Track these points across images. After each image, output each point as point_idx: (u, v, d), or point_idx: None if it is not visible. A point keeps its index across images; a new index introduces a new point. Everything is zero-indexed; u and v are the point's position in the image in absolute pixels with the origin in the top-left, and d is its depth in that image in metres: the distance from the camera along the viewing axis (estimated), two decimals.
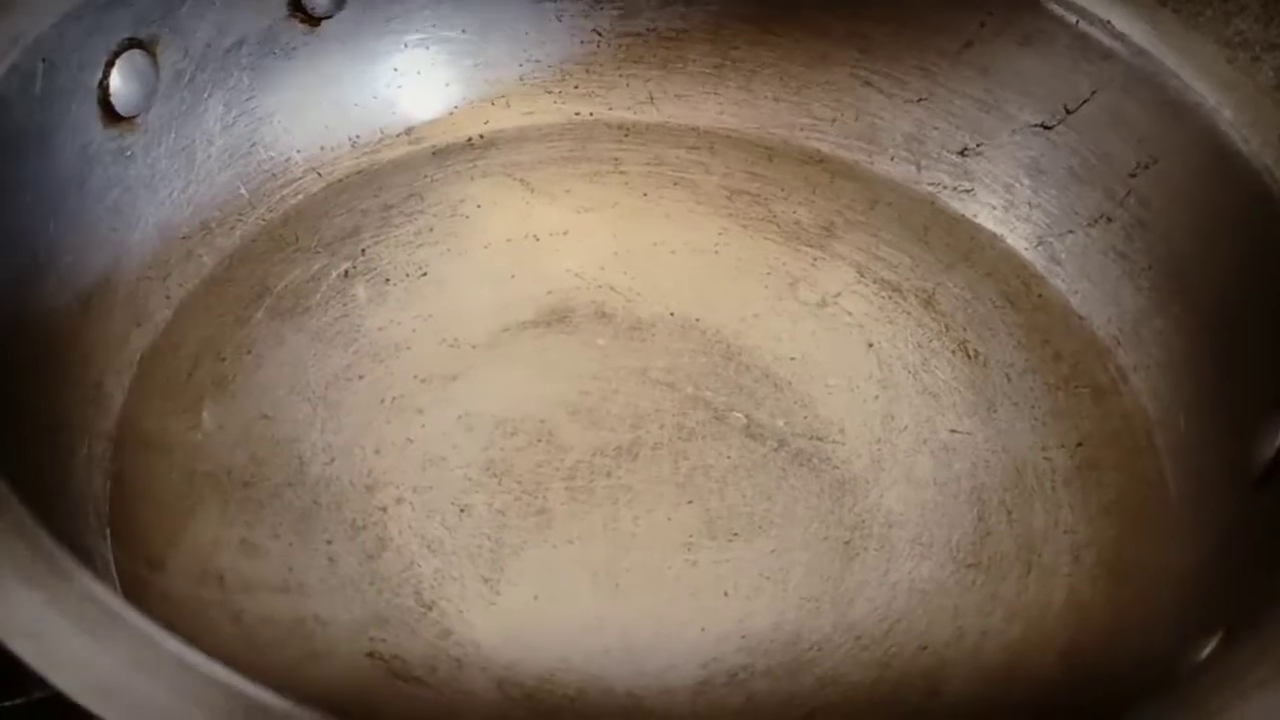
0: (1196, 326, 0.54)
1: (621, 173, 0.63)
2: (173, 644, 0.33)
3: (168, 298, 0.55)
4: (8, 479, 0.36)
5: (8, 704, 0.42)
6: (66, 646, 0.32)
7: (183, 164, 0.57)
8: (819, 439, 0.53)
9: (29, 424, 0.46)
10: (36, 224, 0.49)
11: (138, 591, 0.40)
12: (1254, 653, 0.37)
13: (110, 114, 0.52)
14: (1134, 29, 0.56)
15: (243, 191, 0.59)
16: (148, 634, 0.33)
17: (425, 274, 0.58)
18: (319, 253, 0.59)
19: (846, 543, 0.50)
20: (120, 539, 0.47)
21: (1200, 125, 0.54)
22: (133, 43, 0.53)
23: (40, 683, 0.32)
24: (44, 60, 0.48)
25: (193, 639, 0.34)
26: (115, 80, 0.52)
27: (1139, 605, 0.48)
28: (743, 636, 0.47)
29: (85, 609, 0.33)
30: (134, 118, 0.54)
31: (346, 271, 0.58)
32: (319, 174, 0.62)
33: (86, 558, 0.37)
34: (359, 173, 0.62)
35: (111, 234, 0.53)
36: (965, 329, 0.57)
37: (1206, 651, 0.39)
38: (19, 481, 0.37)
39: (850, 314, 0.58)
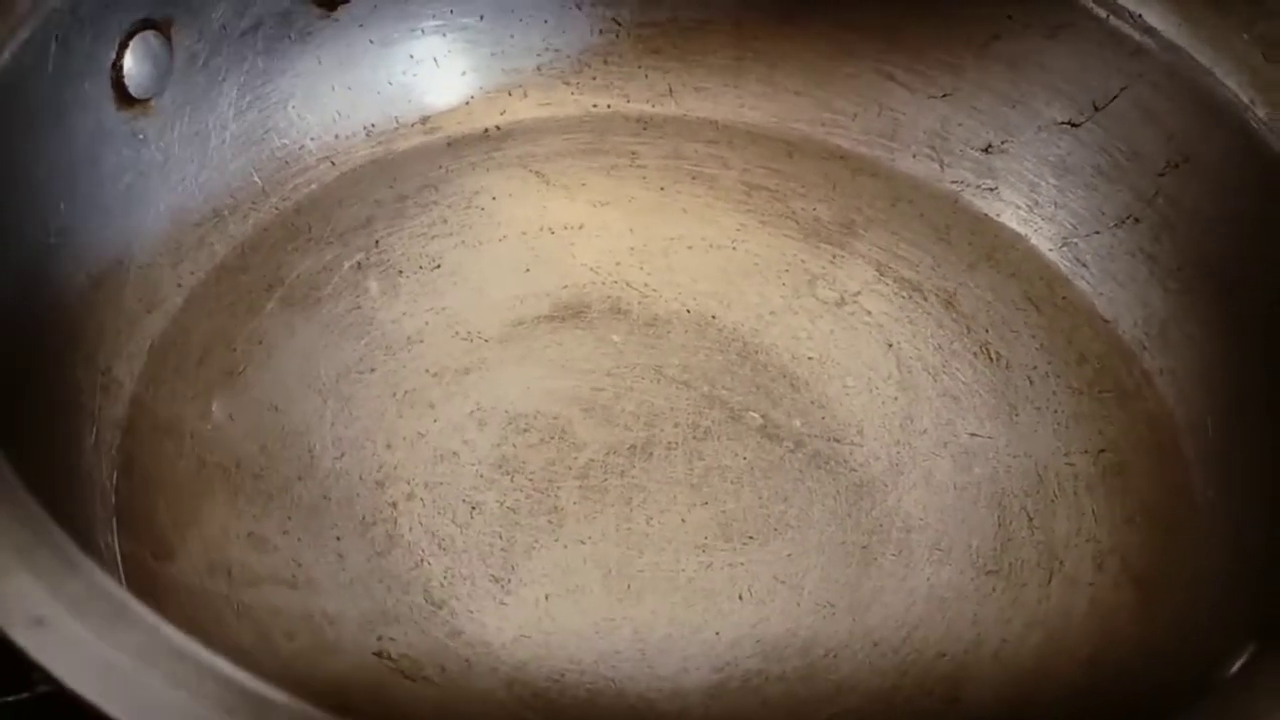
0: (1226, 329, 0.53)
1: (639, 166, 0.63)
2: (178, 638, 0.32)
3: (179, 284, 0.54)
4: (14, 465, 0.36)
5: (11, 699, 0.41)
6: (71, 639, 0.32)
7: (196, 149, 0.56)
8: (837, 440, 0.52)
9: (38, 407, 0.45)
10: (49, 204, 0.48)
11: (145, 582, 0.40)
12: None
13: (124, 96, 0.52)
14: (1166, 23, 0.55)
15: (256, 179, 0.59)
16: (153, 627, 0.32)
17: (439, 266, 0.58)
18: (332, 243, 0.58)
19: (864, 547, 0.49)
20: (128, 528, 0.46)
21: (1233, 123, 0.53)
22: (147, 23, 0.52)
23: (44, 676, 0.31)
24: (57, 38, 0.48)
25: (199, 632, 0.33)
26: (129, 61, 0.51)
27: (1165, 615, 0.47)
28: (757, 641, 0.46)
29: (90, 601, 0.33)
30: (147, 100, 0.53)
31: (359, 263, 0.57)
32: (333, 162, 0.61)
33: (93, 547, 0.37)
34: (373, 162, 0.61)
35: (124, 218, 0.53)
36: (987, 330, 0.57)
37: (1239, 664, 0.38)
38: (26, 466, 0.36)
39: (870, 313, 0.57)
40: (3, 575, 0.32)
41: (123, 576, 0.45)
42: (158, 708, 0.31)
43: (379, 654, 0.45)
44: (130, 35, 0.51)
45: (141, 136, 0.53)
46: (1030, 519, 0.50)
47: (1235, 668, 0.38)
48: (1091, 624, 0.47)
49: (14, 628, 0.31)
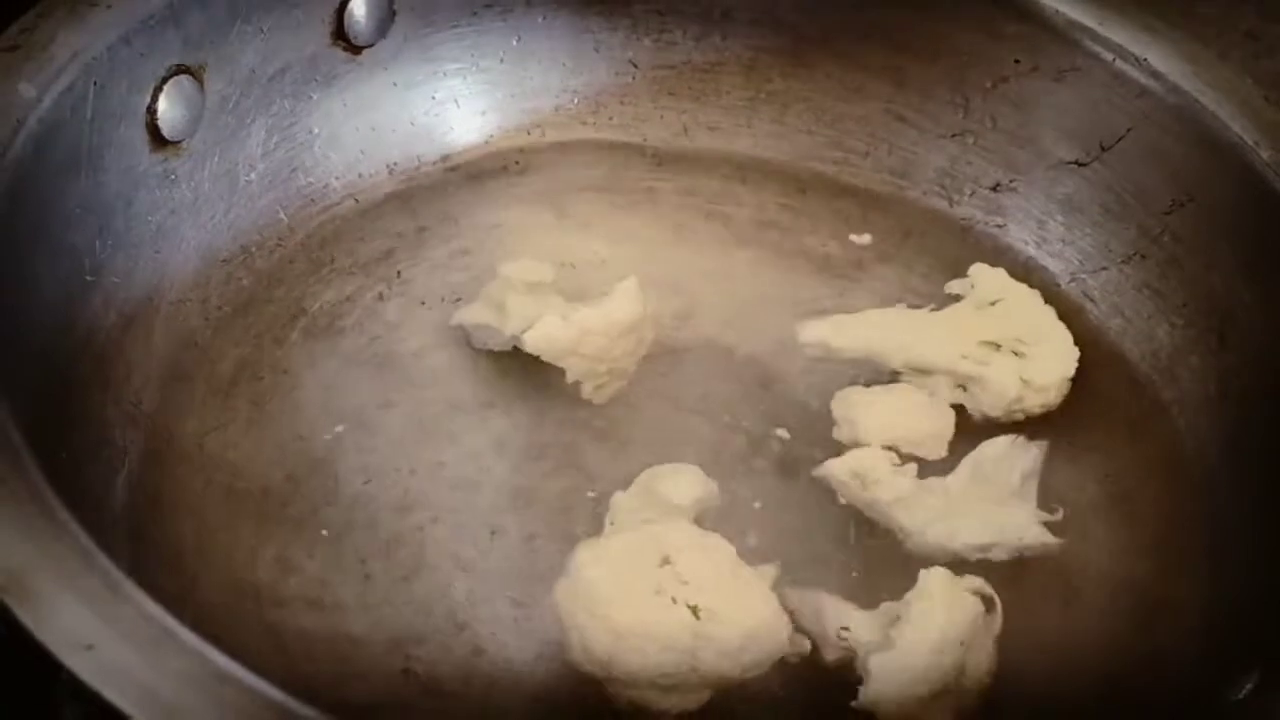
0: (1233, 363, 0.54)
1: (654, 203, 0.64)
2: (225, 662, 0.33)
3: (207, 318, 0.56)
4: (59, 494, 0.37)
5: None
6: (119, 664, 0.33)
7: (225, 188, 0.58)
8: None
9: (72, 438, 0.46)
10: (84, 243, 0.50)
11: (173, 606, 0.40)
12: None
13: (157, 138, 0.53)
14: (1171, 66, 0.57)
15: (282, 215, 0.60)
16: (199, 652, 0.33)
17: (459, 299, 0.59)
18: (354, 274, 0.59)
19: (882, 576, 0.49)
20: (157, 554, 0.47)
21: (1237, 163, 0.54)
22: (181, 69, 0.54)
23: (93, 697, 0.32)
24: (96, 83, 0.49)
25: (228, 655, 0.34)
26: (163, 105, 0.53)
27: (1174, 642, 0.47)
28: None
29: (138, 627, 0.34)
30: (179, 142, 0.55)
31: (381, 294, 0.59)
32: (356, 199, 0.62)
33: (125, 571, 0.37)
34: (395, 198, 0.63)
35: (155, 255, 0.54)
36: None
37: (1246, 689, 0.39)
38: (64, 496, 0.37)
39: None
40: (53, 602, 0.33)
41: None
42: None
43: (404, 672, 0.46)
44: (165, 80, 0.53)
45: (173, 177, 0.55)
46: (1044, 547, 0.50)
47: (1243, 693, 0.39)
48: (1104, 650, 0.47)
49: (65, 653, 0.32)
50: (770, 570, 0.47)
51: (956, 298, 0.56)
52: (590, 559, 0.45)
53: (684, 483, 0.49)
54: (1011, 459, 0.51)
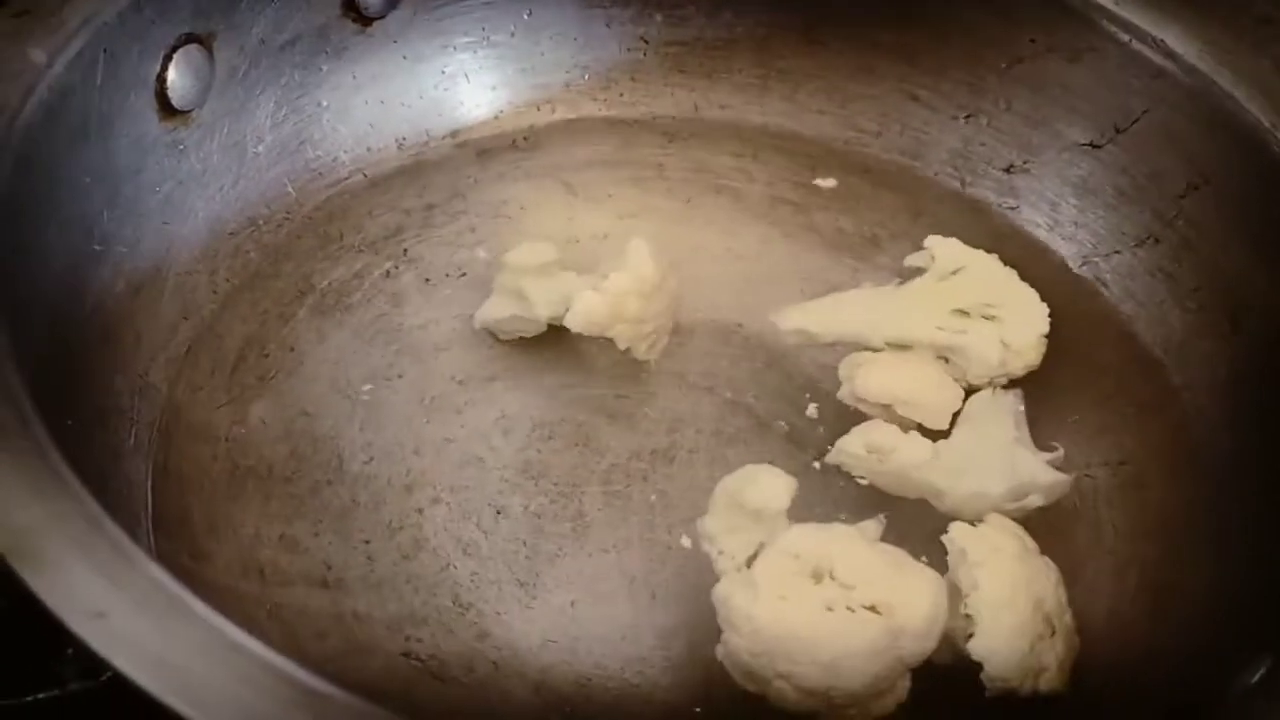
0: (1245, 348, 0.53)
1: (664, 179, 0.64)
2: (236, 633, 0.33)
3: (215, 291, 0.56)
4: (67, 460, 0.37)
5: (42, 696, 0.42)
6: (131, 632, 0.32)
7: (233, 160, 0.57)
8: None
9: (80, 410, 0.46)
10: (93, 212, 0.50)
11: (180, 581, 0.40)
12: None
13: (166, 107, 0.53)
14: (1187, 48, 0.56)
15: (290, 189, 0.60)
16: (210, 622, 0.33)
17: (465, 274, 0.58)
18: (362, 251, 0.59)
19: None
20: (164, 529, 0.47)
21: (1254, 146, 0.54)
22: (191, 38, 0.53)
23: (92, 669, 0.32)
24: (106, 50, 0.49)
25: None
26: (172, 74, 0.53)
27: (1182, 627, 0.47)
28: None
29: (149, 595, 0.34)
30: (189, 112, 0.54)
31: (389, 271, 0.58)
32: (365, 173, 0.62)
33: (134, 540, 0.37)
34: (404, 173, 0.62)
35: (163, 226, 0.54)
36: None
37: (1257, 676, 0.39)
38: (74, 466, 0.37)
39: None
40: (64, 569, 0.33)
41: None
42: (217, 701, 0.31)
43: (407, 654, 0.46)
44: (175, 49, 0.53)
45: (182, 147, 0.54)
46: (1049, 530, 0.50)
47: (1254, 679, 0.38)
48: (1110, 634, 0.47)
49: (76, 620, 0.32)
50: (876, 526, 0.47)
51: (919, 271, 0.56)
52: (747, 608, 0.43)
53: (768, 485, 0.47)
54: (999, 408, 0.52)
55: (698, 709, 0.46)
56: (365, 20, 0.61)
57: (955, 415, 0.52)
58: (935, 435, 0.51)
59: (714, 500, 0.48)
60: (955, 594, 0.45)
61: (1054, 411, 0.54)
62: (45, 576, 0.33)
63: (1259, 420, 0.52)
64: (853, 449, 0.50)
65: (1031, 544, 0.47)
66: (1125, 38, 0.58)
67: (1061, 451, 0.51)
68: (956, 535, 0.46)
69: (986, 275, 0.55)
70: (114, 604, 0.33)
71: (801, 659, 0.42)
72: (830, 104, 0.65)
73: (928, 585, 0.44)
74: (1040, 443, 0.51)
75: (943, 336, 0.53)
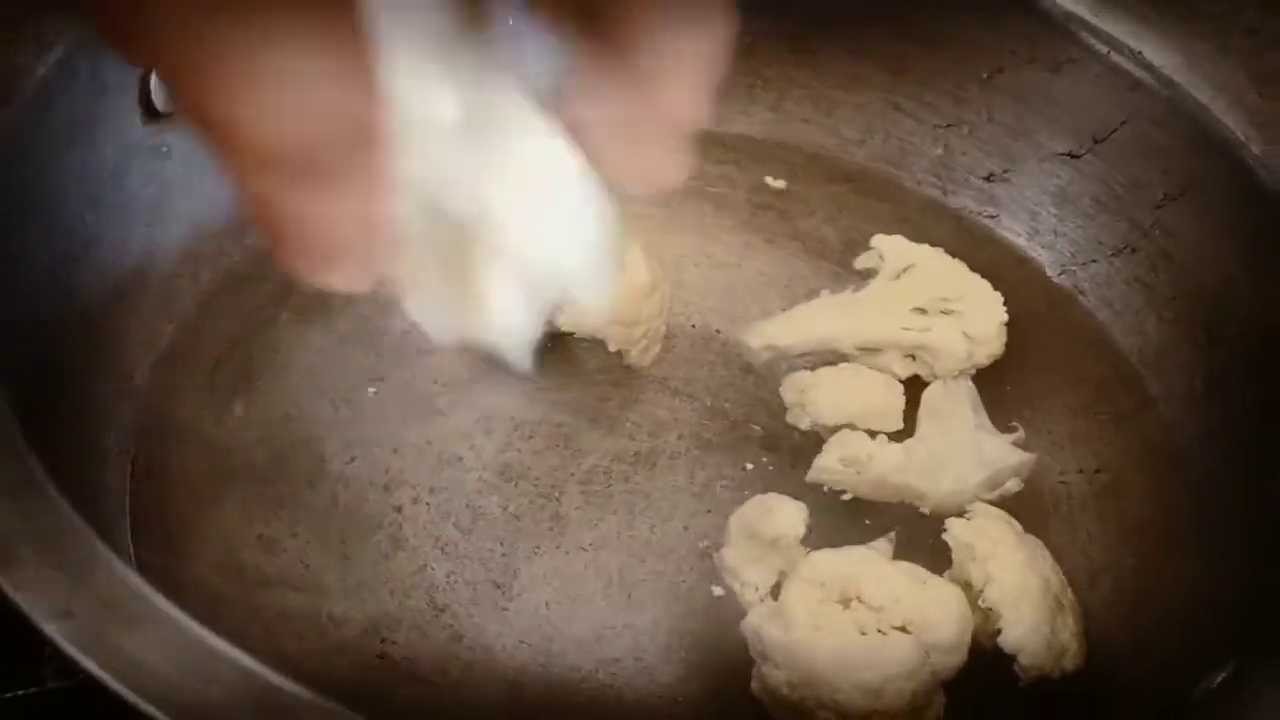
0: (1220, 359, 0.54)
1: None
2: (203, 634, 0.33)
3: (197, 294, 0.56)
4: (44, 464, 0.37)
5: (21, 693, 0.42)
6: (99, 632, 0.33)
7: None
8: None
9: (61, 411, 0.46)
10: (75, 216, 0.50)
11: (158, 581, 0.40)
12: (1267, 681, 0.37)
13: (150, 110, 0.53)
14: (1165, 60, 0.56)
15: None
16: (178, 622, 0.33)
17: None
18: None
19: None
20: (142, 529, 0.48)
21: (1229, 158, 0.54)
22: None
23: (64, 669, 0.32)
24: (89, 55, 0.49)
25: (214, 631, 0.34)
26: (156, 78, 0.53)
27: (1153, 632, 0.47)
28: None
29: (117, 595, 0.34)
30: (172, 114, 0.54)
31: None
32: None
33: (112, 547, 0.38)
34: None
35: (146, 229, 0.54)
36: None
37: (1221, 678, 0.39)
38: (51, 467, 0.37)
39: None
40: (31, 569, 0.34)
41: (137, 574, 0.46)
42: (185, 700, 0.32)
43: (381, 656, 0.46)
44: None
45: (165, 150, 0.55)
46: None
47: (1218, 681, 0.39)
48: (1085, 639, 0.47)
49: (43, 620, 0.32)
50: (887, 545, 0.48)
51: (872, 272, 0.57)
52: (783, 639, 0.43)
53: (784, 515, 0.47)
54: (955, 398, 0.53)
55: (671, 710, 0.46)
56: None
57: (904, 412, 0.53)
58: (896, 435, 0.52)
59: (729, 533, 0.48)
60: (967, 591, 0.45)
61: (1030, 418, 0.54)
62: (14, 576, 0.33)
63: (1234, 430, 0.52)
64: (830, 465, 0.51)
65: (1017, 525, 0.48)
66: (1104, 49, 0.58)
67: (1021, 432, 0.52)
68: (957, 532, 0.47)
69: (937, 270, 0.56)
70: (81, 604, 0.33)
71: (843, 686, 0.42)
72: (815, 112, 0.65)
73: (952, 598, 0.44)
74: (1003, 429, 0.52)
75: (909, 336, 0.54)
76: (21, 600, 0.33)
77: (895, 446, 0.51)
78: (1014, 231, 0.62)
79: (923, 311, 0.55)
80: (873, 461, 0.50)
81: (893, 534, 0.48)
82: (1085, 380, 0.56)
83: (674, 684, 0.47)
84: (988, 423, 0.52)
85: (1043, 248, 0.61)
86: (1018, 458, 0.51)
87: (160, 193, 0.55)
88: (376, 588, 0.48)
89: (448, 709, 0.45)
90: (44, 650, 0.43)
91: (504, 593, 0.48)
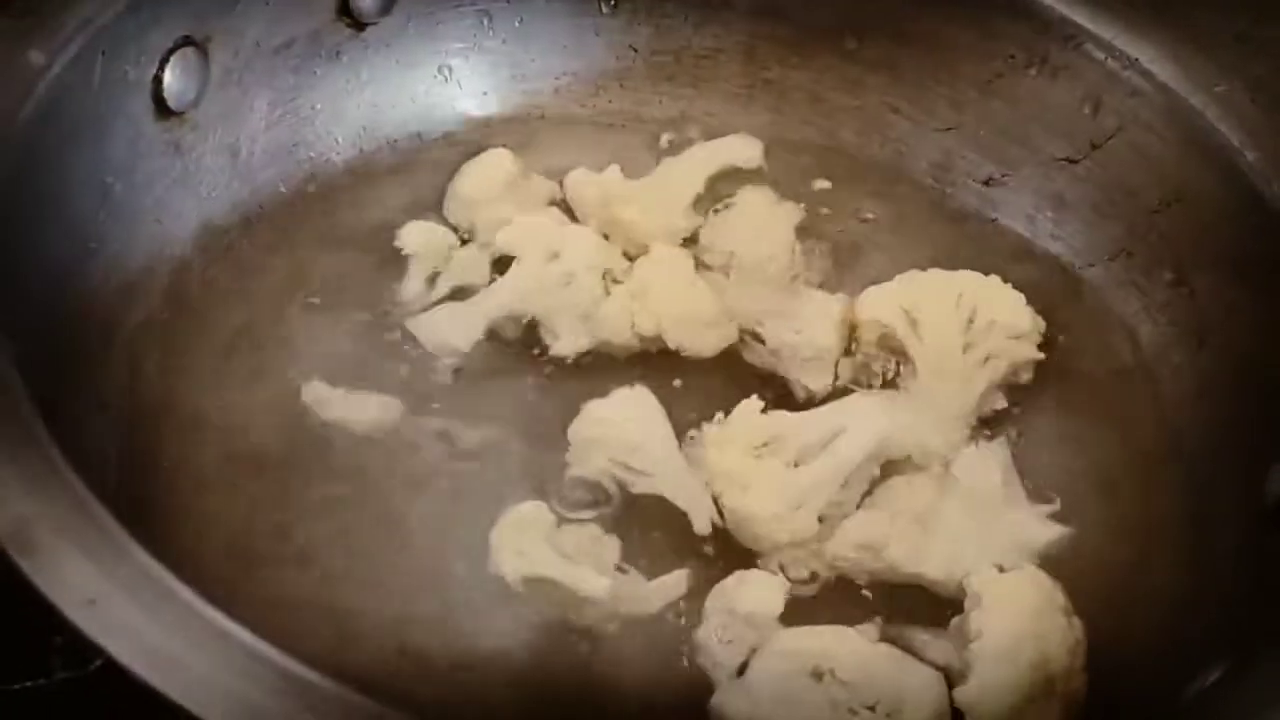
0: (1213, 363, 0.55)
1: None
2: (225, 621, 0.34)
3: (208, 288, 0.56)
4: (64, 455, 0.37)
5: (29, 684, 0.43)
6: (123, 619, 0.33)
7: (227, 160, 0.58)
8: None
9: (76, 403, 0.47)
10: (88, 212, 0.51)
11: (171, 569, 0.41)
12: (1262, 682, 0.38)
13: (162, 108, 0.54)
14: (1162, 68, 0.57)
15: (282, 189, 0.61)
16: (201, 610, 0.34)
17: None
18: (353, 248, 0.60)
19: None
20: (155, 518, 0.48)
21: (1224, 165, 0.55)
22: (188, 40, 0.54)
23: (96, 652, 0.32)
24: (103, 52, 0.50)
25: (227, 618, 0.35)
26: (169, 76, 0.53)
27: (1146, 633, 0.48)
28: None
29: (140, 583, 0.35)
30: (184, 113, 0.55)
31: (379, 268, 0.59)
32: (355, 174, 0.63)
33: (126, 531, 0.38)
34: (395, 174, 0.63)
35: (157, 225, 0.55)
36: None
37: (1211, 680, 0.40)
38: (70, 457, 0.38)
39: None
40: (57, 557, 0.34)
41: None
42: (206, 687, 0.32)
43: (396, 649, 0.46)
44: (171, 51, 0.54)
45: (177, 147, 0.55)
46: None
47: (1208, 683, 0.40)
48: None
49: (68, 607, 0.33)
50: (874, 629, 0.46)
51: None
52: (748, 715, 0.42)
53: (760, 591, 0.46)
54: (984, 464, 0.51)
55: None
56: (359, 25, 0.62)
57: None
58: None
59: (706, 610, 0.47)
60: (963, 637, 0.44)
61: (1026, 419, 0.55)
62: (38, 563, 0.34)
63: (1227, 434, 0.53)
64: (844, 551, 0.48)
65: (1061, 600, 0.46)
66: (1101, 56, 0.59)
67: (1057, 503, 0.50)
68: (977, 579, 0.45)
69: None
70: (105, 591, 0.33)
71: None
72: (815, 114, 0.66)
73: (931, 682, 0.43)
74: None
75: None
76: (45, 586, 0.33)
77: (916, 522, 0.48)
78: (1012, 235, 0.63)
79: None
80: (890, 544, 0.47)
81: (879, 619, 0.47)
82: (1081, 381, 0.57)
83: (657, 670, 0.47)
84: (1019, 491, 0.50)
85: (1040, 251, 0.62)
86: (1047, 535, 0.48)
87: (171, 190, 0.55)
88: (388, 581, 0.48)
89: (460, 702, 0.46)
90: (53, 641, 0.44)
91: (515, 589, 0.49)
